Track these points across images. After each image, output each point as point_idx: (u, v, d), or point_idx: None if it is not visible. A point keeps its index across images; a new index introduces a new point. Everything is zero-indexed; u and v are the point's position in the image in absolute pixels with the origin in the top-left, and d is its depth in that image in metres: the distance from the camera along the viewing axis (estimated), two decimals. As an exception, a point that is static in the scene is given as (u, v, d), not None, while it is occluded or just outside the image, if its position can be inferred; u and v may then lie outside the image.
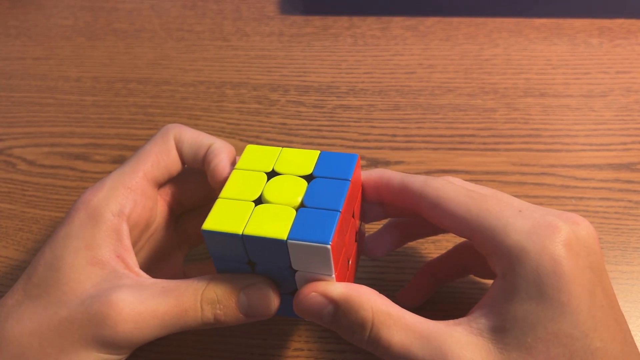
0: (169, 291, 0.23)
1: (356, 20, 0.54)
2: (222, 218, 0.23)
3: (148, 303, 0.23)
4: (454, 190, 0.24)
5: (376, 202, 0.28)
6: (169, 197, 0.30)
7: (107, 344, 0.22)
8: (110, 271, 0.24)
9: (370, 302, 0.22)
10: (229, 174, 0.26)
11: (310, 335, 0.30)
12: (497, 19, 0.53)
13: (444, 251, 0.33)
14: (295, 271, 0.23)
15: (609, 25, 0.51)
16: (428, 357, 0.21)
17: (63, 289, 0.23)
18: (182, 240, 0.31)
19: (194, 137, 0.28)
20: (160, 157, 0.28)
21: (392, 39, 0.51)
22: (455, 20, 0.53)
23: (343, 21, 0.54)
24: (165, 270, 0.30)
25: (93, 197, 0.26)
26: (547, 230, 0.21)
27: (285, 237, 0.21)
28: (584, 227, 0.22)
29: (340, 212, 0.22)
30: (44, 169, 0.41)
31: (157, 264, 0.29)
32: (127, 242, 0.25)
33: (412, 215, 0.27)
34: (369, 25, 0.53)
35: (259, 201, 0.23)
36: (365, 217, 0.29)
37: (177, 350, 0.30)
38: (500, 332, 0.21)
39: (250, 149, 0.26)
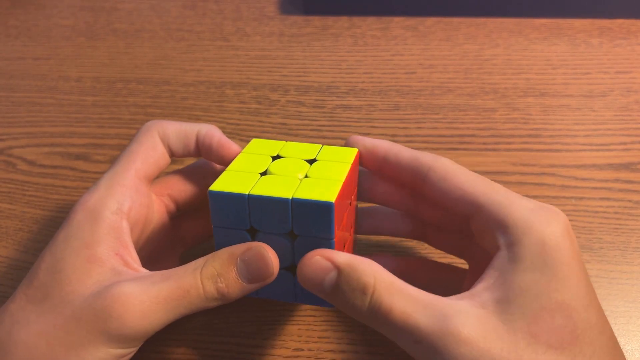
0: (168, 276, 0.23)
1: (356, 20, 0.54)
2: (229, 183, 0.24)
3: (149, 290, 0.23)
4: (461, 167, 0.26)
5: (374, 173, 0.29)
6: (166, 198, 0.30)
7: (115, 337, 0.22)
8: (109, 269, 0.24)
9: (373, 269, 0.22)
10: (235, 147, 0.28)
11: (310, 335, 0.30)
12: (497, 19, 0.53)
13: (442, 252, 0.33)
14: (295, 238, 0.23)
15: (609, 25, 0.51)
16: (430, 324, 0.20)
17: (65, 290, 0.23)
18: (176, 242, 0.31)
19: (178, 129, 0.29)
20: (148, 153, 0.28)
21: (392, 39, 0.51)
22: (456, 20, 0.53)
23: (343, 21, 0.54)
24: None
25: (90, 198, 0.26)
26: (549, 212, 0.23)
27: (290, 197, 0.22)
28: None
29: (343, 181, 0.24)
30: (44, 169, 0.41)
31: (153, 265, 0.29)
32: (127, 239, 0.25)
33: (405, 201, 0.29)
34: (369, 25, 0.53)
35: (264, 174, 0.25)
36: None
37: (177, 351, 0.30)
38: (504, 303, 0.21)
39: (256, 141, 0.28)
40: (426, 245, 0.32)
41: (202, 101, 0.46)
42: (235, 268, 0.23)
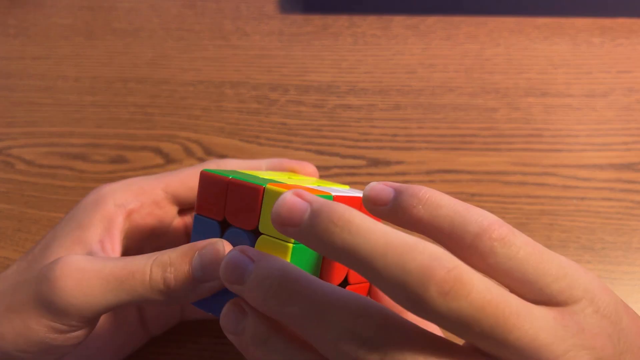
0: (123, 258, 0.22)
1: (356, 19, 0.54)
2: (226, 172, 0.23)
3: (95, 264, 0.22)
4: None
5: None
6: (189, 220, 0.30)
7: (47, 304, 0.21)
8: (88, 252, 0.24)
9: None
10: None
11: (311, 337, 0.29)
12: (498, 18, 0.52)
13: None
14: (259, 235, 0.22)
15: (610, 25, 0.51)
16: None
17: (44, 263, 0.23)
18: None
19: (239, 164, 0.28)
20: (191, 177, 0.28)
21: (392, 38, 0.51)
22: (456, 19, 0.53)
23: (343, 20, 0.54)
24: None
25: (107, 186, 0.26)
26: None
27: (264, 185, 0.21)
28: (604, 308, 0.18)
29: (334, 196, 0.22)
30: (43, 169, 0.41)
31: None
32: (116, 233, 0.25)
33: None
34: (369, 24, 0.53)
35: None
36: None
37: (176, 351, 0.29)
38: None
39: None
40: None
41: (201, 101, 0.46)
42: (189, 261, 0.22)
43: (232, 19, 0.55)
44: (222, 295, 0.22)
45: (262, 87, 0.47)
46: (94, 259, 0.22)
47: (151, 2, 0.59)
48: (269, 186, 0.21)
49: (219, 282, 0.22)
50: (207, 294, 0.22)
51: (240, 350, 0.20)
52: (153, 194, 0.27)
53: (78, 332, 0.22)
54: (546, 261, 0.18)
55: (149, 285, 0.22)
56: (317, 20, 0.54)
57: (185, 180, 0.28)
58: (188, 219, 0.30)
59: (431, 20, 0.53)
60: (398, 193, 0.19)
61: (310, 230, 0.17)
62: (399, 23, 0.53)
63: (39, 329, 0.21)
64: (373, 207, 0.19)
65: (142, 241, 0.27)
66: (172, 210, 0.28)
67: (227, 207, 0.22)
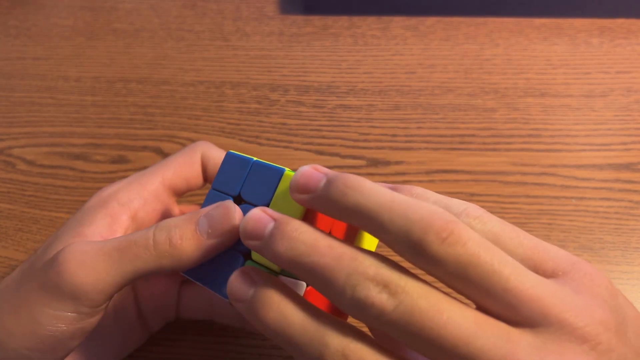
0: (126, 235, 0.23)
1: (356, 20, 0.54)
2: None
3: (97, 243, 0.22)
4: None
5: None
6: None
7: (53, 290, 0.21)
8: None
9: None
10: None
11: (311, 336, 0.30)
12: (497, 19, 0.53)
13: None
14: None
15: (609, 25, 0.51)
16: None
17: (46, 260, 0.24)
18: None
19: (220, 156, 0.29)
20: (183, 167, 0.28)
21: (392, 38, 0.51)
22: (456, 20, 0.53)
23: (343, 21, 0.54)
24: (162, 281, 0.30)
25: (108, 189, 0.27)
26: None
27: (285, 169, 0.23)
28: (595, 275, 0.19)
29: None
30: (44, 169, 0.41)
31: (168, 277, 0.29)
32: (119, 230, 0.26)
33: None
34: (369, 25, 0.53)
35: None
36: None
37: (176, 351, 0.30)
38: None
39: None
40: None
41: (202, 101, 0.46)
42: (195, 223, 0.22)
43: (232, 20, 0.56)
44: (219, 268, 0.23)
45: (263, 87, 0.47)
46: (97, 241, 0.22)
47: (152, 3, 0.59)
48: (287, 171, 0.23)
49: (225, 240, 0.22)
50: (213, 253, 0.22)
51: (247, 318, 0.20)
52: (155, 190, 0.27)
53: (85, 322, 0.22)
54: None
55: (153, 249, 0.21)
56: (317, 20, 0.54)
57: (179, 170, 0.28)
58: (184, 208, 0.30)
59: (431, 21, 0.53)
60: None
61: (326, 194, 0.19)
62: (398, 24, 0.53)
63: (47, 320, 0.21)
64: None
65: None
66: (171, 201, 0.29)
67: (245, 185, 0.24)
